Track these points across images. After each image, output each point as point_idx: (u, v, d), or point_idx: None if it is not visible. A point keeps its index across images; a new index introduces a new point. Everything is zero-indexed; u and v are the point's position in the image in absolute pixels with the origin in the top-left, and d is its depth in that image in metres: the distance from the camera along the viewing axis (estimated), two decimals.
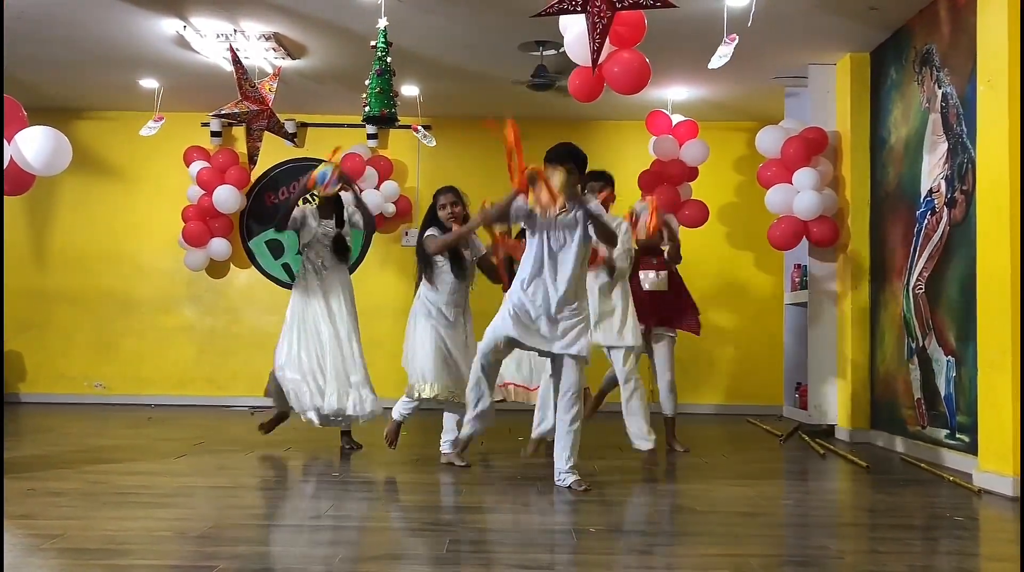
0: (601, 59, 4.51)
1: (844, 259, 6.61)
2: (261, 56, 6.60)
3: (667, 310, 5.68)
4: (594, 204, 4.35)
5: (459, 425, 4.76)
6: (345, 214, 5.59)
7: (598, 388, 5.90)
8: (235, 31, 6.17)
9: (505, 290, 4.65)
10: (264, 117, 6.04)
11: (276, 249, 8.58)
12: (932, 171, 5.54)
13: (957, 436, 5.14)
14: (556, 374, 4.34)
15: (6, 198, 4.85)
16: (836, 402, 6.66)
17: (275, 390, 5.49)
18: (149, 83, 7.58)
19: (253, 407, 7.69)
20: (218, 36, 6.24)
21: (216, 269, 8.54)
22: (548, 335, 4.21)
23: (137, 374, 8.52)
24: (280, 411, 5.58)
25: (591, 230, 4.17)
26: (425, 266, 4.98)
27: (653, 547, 3.23)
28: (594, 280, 4.92)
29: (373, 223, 5.68)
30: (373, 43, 5.36)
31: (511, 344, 4.29)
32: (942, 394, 5.33)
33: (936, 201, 5.46)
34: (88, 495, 3.98)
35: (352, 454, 5.40)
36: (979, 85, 4.65)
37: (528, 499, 4.17)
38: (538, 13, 4.39)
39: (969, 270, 4.90)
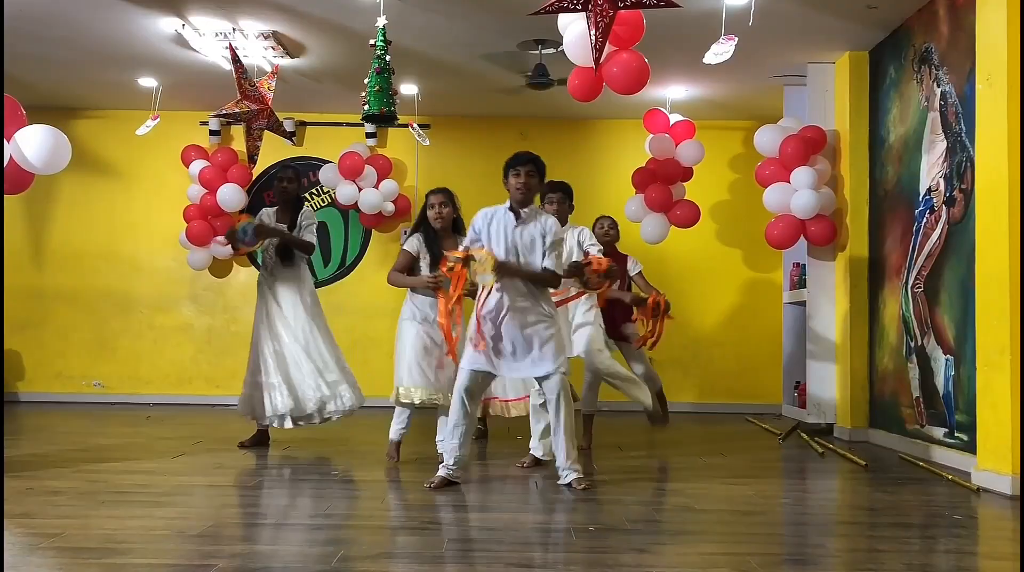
0: (602, 59, 4.51)
1: (843, 258, 6.61)
2: (260, 55, 6.60)
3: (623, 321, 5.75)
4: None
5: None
6: (299, 219, 5.59)
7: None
8: (234, 30, 6.17)
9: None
10: (264, 116, 6.04)
11: None
12: (931, 170, 5.54)
13: (955, 435, 5.14)
14: (539, 381, 4.35)
15: (5, 197, 4.84)
16: (835, 401, 6.66)
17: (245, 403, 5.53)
18: (148, 82, 7.58)
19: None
20: (217, 35, 6.24)
21: (219, 268, 8.53)
22: (520, 357, 4.21)
23: (135, 373, 8.52)
24: (260, 431, 5.57)
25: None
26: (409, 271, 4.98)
27: (652, 546, 3.23)
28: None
29: (309, 250, 5.62)
30: (372, 42, 5.35)
31: (488, 377, 4.30)
32: (941, 393, 5.33)
33: (935, 200, 5.47)
34: (87, 494, 3.98)
35: (355, 451, 5.41)
36: (978, 84, 4.65)
37: (527, 498, 4.17)
38: (537, 10, 4.38)
39: (968, 269, 4.90)
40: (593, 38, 4.34)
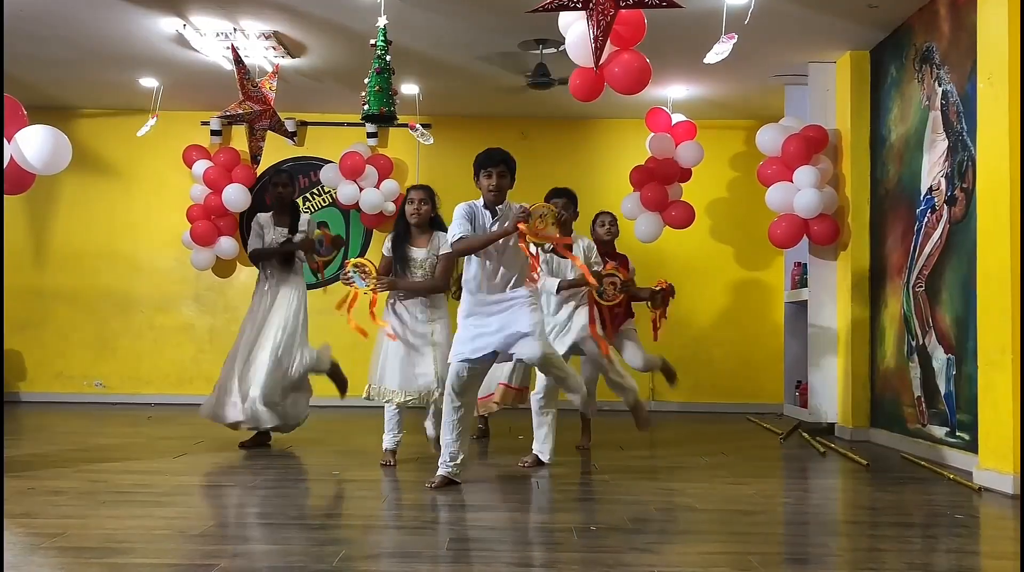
0: (603, 59, 4.50)
1: (844, 257, 6.61)
2: (261, 55, 6.60)
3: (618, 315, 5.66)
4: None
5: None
6: (299, 223, 5.60)
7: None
8: (235, 30, 6.17)
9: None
10: (267, 116, 6.04)
11: None
12: (932, 169, 5.54)
13: (957, 434, 5.14)
14: (520, 353, 4.23)
15: (6, 197, 4.85)
16: (836, 400, 6.66)
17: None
18: (149, 82, 7.58)
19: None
20: (218, 35, 6.24)
21: (222, 268, 8.54)
22: (500, 327, 4.14)
23: (136, 373, 8.52)
24: (259, 432, 5.56)
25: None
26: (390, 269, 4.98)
27: (653, 545, 3.23)
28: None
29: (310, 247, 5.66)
30: (372, 41, 5.35)
31: (475, 367, 4.22)
32: (942, 392, 5.33)
33: (936, 199, 5.46)
34: (88, 494, 3.98)
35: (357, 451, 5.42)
36: (979, 83, 4.65)
37: (527, 497, 4.17)
38: (536, 8, 4.37)
39: (969, 268, 4.90)
40: (593, 37, 4.33)
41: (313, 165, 8.55)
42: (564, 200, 4.98)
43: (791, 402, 7.75)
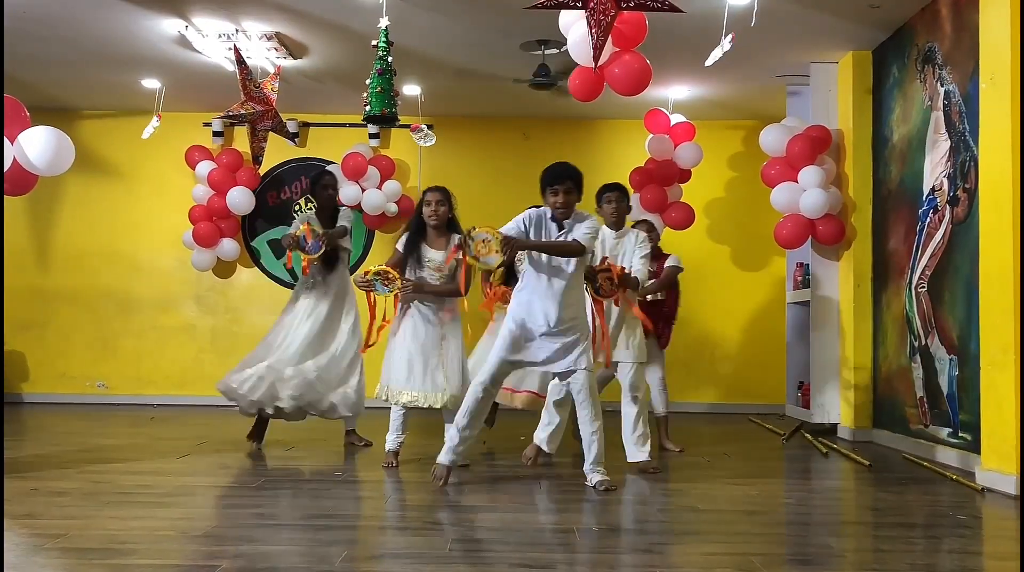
0: (603, 59, 4.50)
1: (846, 258, 6.60)
2: (262, 56, 6.61)
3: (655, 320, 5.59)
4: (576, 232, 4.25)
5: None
6: (339, 217, 5.57)
7: None
8: (237, 31, 6.18)
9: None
10: (269, 117, 6.05)
11: (278, 249, 8.59)
12: (934, 169, 5.53)
13: (960, 434, 5.14)
14: (563, 380, 4.38)
15: (8, 198, 4.85)
16: (838, 401, 6.66)
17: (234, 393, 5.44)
18: (151, 83, 7.59)
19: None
20: (220, 36, 6.25)
21: (223, 269, 8.55)
22: (550, 354, 4.23)
23: (138, 374, 8.53)
24: (259, 418, 5.54)
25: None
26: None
27: (655, 546, 3.23)
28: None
29: (342, 234, 5.58)
30: (374, 42, 5.36)
31: (514, 365, 4.32)
32: (944, 392, 5.32)
33: (938, 199, 5.46)
34: (90, 495, 3.98)
35: (358, 452, 5.42)
36: (981, 83, 4.65)
37: (531, 498, 4.17)
38: (535, 5, 4.36)
39: (971, 268, 4.89)
40: (593, 37, 4.33)
41: (315, 166, 8.55)
42: (618, 193, 4.98)
43: (793, 403, 7.75)
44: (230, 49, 6.16)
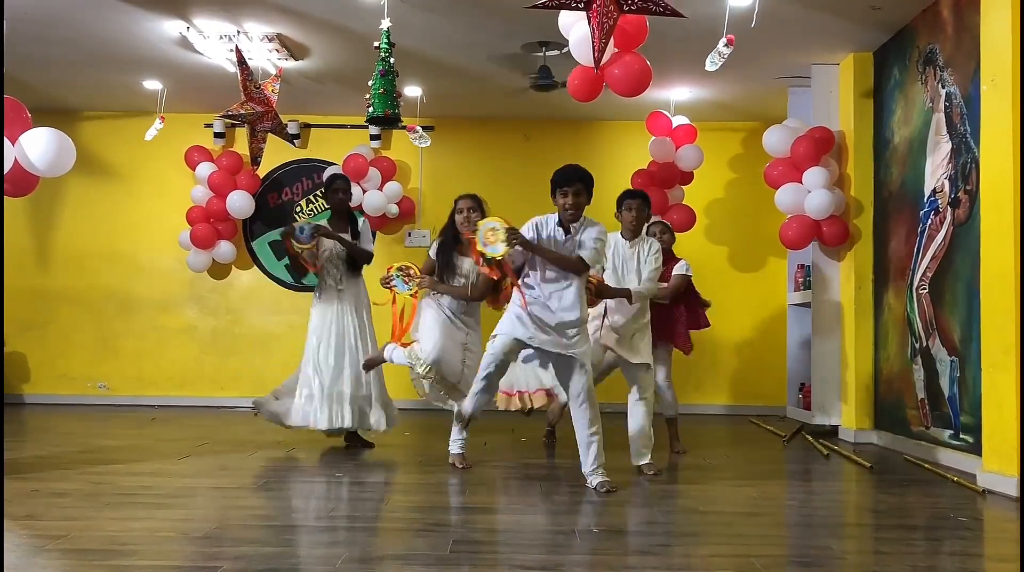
0: (604, 60, 4.50)
1: (848, 259, 6.60)
2: (264, 57, 6.61)
3: (663, 324, 5.55)
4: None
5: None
6: (358, 227, 5.61)
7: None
8: (238, 32, 6.18)
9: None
10: (268, 119, 6.05)
11: (279, 250, 8.58)
12: (935, 171, 5.53)
13: (961, 436, 5.13)
14: (563, 383, 4.36)
15: (10, 199, 4.86)
16: (839, 402, 6.66)
17: (270, 412, 5.55)
18: (152, 84, 7.60)
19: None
20: (221, 37, 6.25)
21: (218, 270, 8.55)
22: (554, 339, 4.21)
23: (139, 375, 8.53)
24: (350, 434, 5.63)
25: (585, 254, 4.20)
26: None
27: (656, 547, 3.23)
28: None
29: (368, 259, 5.65)
30: (376, 44, 5.36)
31: (519, 346, 4.28)
32: (946, 394, 5.32)
33: (940, 201, 5.46)
34: (91, 496, 3.98)
35: (360, 454, 5.43)
36: (982, 85, 4.65)
37: (532, 499, 4.17)
38: (537, 4, 4.36)
39: (973, 270, 4.89)
40: (594, 38, 4.33)
41: (316, 167, 8.56)
42: (639, 201, 4.89)
43: (794, 404, 7.75)
44: (231, 50, 6.17)
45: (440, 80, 7.36)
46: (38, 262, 8.60)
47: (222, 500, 4.11)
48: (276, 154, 8.29)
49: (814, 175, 6.40)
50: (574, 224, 4.23)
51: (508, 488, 4.44)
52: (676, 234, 7.60)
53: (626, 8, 4.29)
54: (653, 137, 7.46)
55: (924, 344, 5.60)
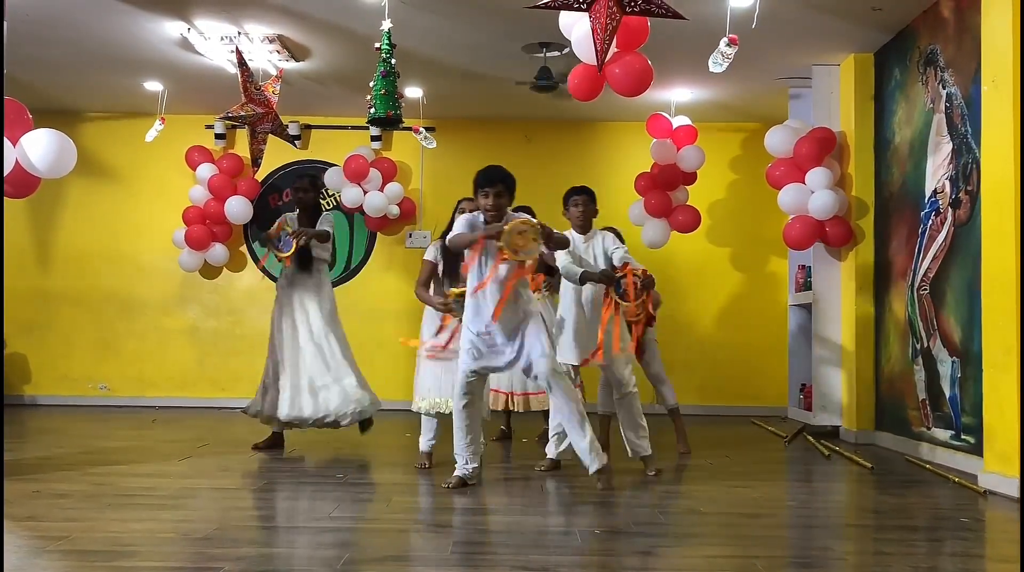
0: (606, 59, 4.50)
1: (849, 260, 6.60)
2: (265, 58, 6.61)
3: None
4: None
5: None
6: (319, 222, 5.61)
7: None
8: (239, 33, 6.18)
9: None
10: (268, 120, 6.05)
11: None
12: (936, 172, 5.53)
13: (962, 437, 5.13)
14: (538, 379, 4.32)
15: (10, 200, 4.86)
16: (841, 403, 6.65)
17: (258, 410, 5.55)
18: (153, 86, 7.60)
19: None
20: (222, 38, 6.25)
21: (209, 271, 8.56)
22: (510, 351, 4.21)
23: (140, 376, 8.53)
24: (275, 434, 5.61)
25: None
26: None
27: (657, 548, 3.23)
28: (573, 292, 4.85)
29: (324, 238, 5.61)
30: (377, 45, 5.36)
31: (482, 375, 4.32)
32: (947, 395, 5.32)
33: (940, 202, 5.46)
34: (92, 497, 3.98)
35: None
36: (983, 85, 4.65)
37: (533, 500, 4.17)
38: (538, 5, 4.36)
39: (974, 271, 4.89)
40: (597, 38, 4.33)
41: (317, 168, 8.54)
42: (585, 197, 4.90)
43: (795, 405, 7.75)
44: (232, 51, 6.17)
45: (441, 81, 7.36)
46: (39, 263, 8.61)
47: (223, 501, 4.11)
48: (277, 155, 8.29)
49: (817, 175, 6.40)
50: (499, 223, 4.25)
51: (509, 489, 4.44)
52: (679, 235, 7.64)
53: (628, 9, 4.29)
54: (654, 140, 7.46)
55: (925, 345, 5.60)
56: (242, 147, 8.45)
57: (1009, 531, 3.66)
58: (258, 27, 6.15)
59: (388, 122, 5.43)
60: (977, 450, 4.80)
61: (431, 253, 4.95)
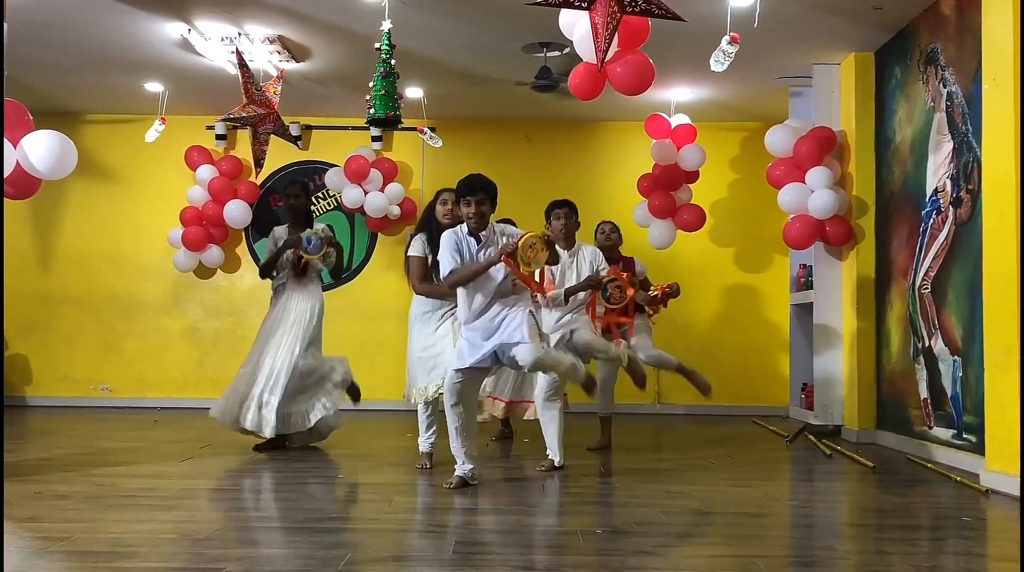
0: (607, 58, 4.50)
1: (850, 259, 6.60)
2: (265, 59, 6.61)
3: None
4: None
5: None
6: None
7: None
8: (239, 34, 6.18)
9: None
10: (270, 120, 6.06)
11: None
12: (937, 170, 5.53)
13: (964, 436, 5.12)
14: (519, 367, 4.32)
15: (12, 201, 4.86)
16: (842, 402, 6.65)
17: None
18: (154, 87, 7.60)
19: None
20: (222, 39, 6.25)
21: (203, 271, 8.56)
22: (496, 336, 4.18)
23: (141, 377, 8.53)
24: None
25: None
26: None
27: (658, 548, 3.23)
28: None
29: (340, 270, 5.74)
30: (377, 45, 5.36)
31: (473, 375, 4.28)
32: (948, 394, 5.31)
33: (941, 201, 5.45)
34: (94, 498, 3.98)
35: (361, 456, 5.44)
36: (984, 84, 4.64)
37: (534, 500, 4.16)
38: (539, 2, 4.35)
39: (975, 270, 4.89)
40: (597, 41, 4.33)
41: (318, 169, 8.56)
42: (567, 210, 5.03)
43: (797, 404, 7.74)
44: (233, 52, 6.17)
45: (441, 81, 7.36)
46: (40, 264, 8.61)
47: (224, 502, 4.12)
48: (278, 156, 8.30)
49: (817, 175, 6.39)
50: (483, 232, 4.28)
51: (510, 489, 4.44)
52: (683, 235, 7.64)
53: (629, 10, 4.29)
54: (654, 141, 7.46)
55: (926, 344, 5.60)
56: (242, 148, 8.46)
57: (1011, 530, 3.65)
58: (258, 28, 6.15)
59: (387, 122, 5.43)
60: (979, 449, 4.80)
61: (418, 248, 4.87)
